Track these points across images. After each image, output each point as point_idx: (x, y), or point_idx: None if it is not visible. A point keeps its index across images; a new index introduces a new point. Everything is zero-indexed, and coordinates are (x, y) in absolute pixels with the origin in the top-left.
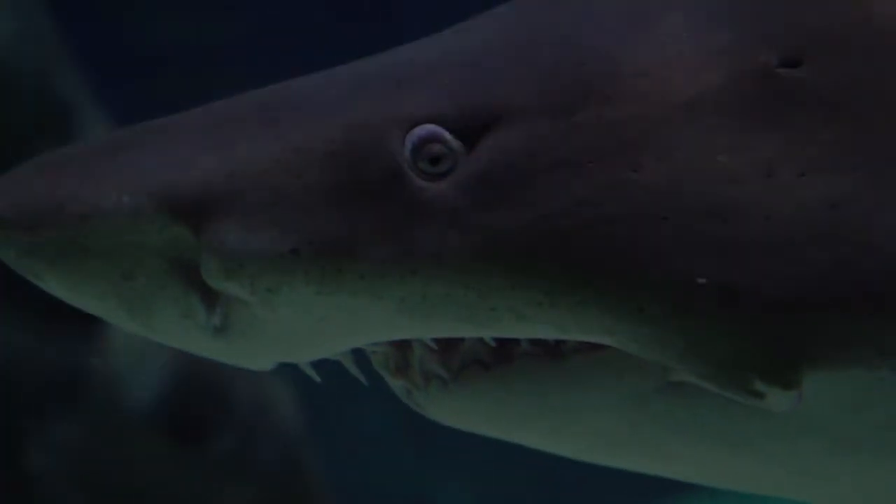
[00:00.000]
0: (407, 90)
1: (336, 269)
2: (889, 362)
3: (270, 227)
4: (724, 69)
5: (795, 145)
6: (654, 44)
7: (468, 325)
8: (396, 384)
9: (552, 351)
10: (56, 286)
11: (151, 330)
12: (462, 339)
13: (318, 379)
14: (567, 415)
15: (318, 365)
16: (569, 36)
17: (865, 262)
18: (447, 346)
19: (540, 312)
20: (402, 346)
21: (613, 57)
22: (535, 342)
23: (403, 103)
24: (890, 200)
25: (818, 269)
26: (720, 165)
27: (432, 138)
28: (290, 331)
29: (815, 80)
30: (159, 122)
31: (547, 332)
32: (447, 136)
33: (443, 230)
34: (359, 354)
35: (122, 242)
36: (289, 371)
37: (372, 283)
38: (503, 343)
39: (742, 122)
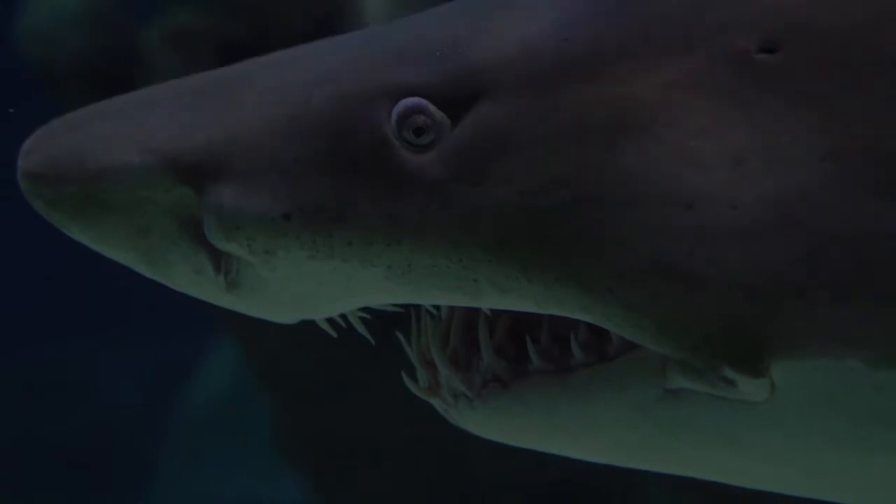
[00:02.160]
0: (396, 62)
1: (326, 234)
2: (855, 352)
3: (265, 191)
4: (704, 53)
5: (765, 133)
6: (638, 25)
7: (454, 294)
8: (434, 401)
9: (561, 365)
10: (81, 237)
11: (172, 282)
12: (480, 357)
13: (334, 335)
14: (578, 428)
15: None
16: (555, 14)
17: (828, 252)
18: (467, 365)
19: (518, 287)
20: (431, 366)
21: (597, 36)
22: (545, 358)
23: (392, 74)
24: (856, 191)
25: (781, 258)
26: (690, 151)
27: (417, 110)
28: (293, 290)
29: (789, 68)
30: (177, 82)
31: (528, 307)
32: (431, 108)
33: (425, 202)
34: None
35: (136, 199)
36: None
37: (360, 251)
38: (517, 359)
39: (716, 107)
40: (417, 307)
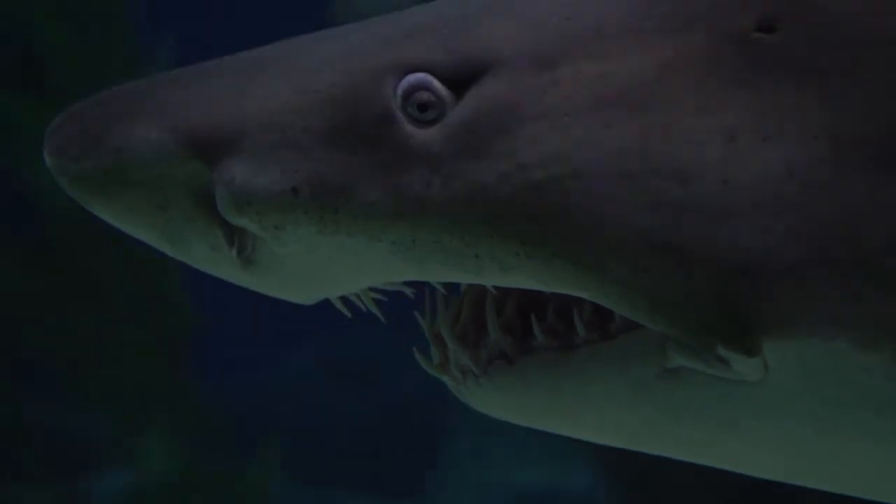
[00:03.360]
0: (404, 40)
1: (333, 209)
2: (844, 334)
3: (274, 166)
4: (703, 32)
5: (761, 111)
6: (639, 3)
7: (458, 271)
8: (444, 378)
9: (564, 343)
10: (103, 214)
11: (192, 260)
12: (487, 334)
13: (348, 315)
14: (580, 407)
15: None
16: None
17: (820, 231)
18: (476, 342)
19: (518, 263)
20: (443, 343)
21: (599, 14)
22: (549, 334)
23: (399, 51)
24: (849, 171)
25: (772, 236)
26: (685, 127)
27: (421, 86)
28: (305, 267)
29: (787, 47)
30: (194, 67)
31: (529, 284)
32: (436, 83)
33: (427, 177)
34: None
35: (154, 175)
36: None
37: (365, 225)
38: (523, 335)
39: (714, 85)
40: (433, 287)
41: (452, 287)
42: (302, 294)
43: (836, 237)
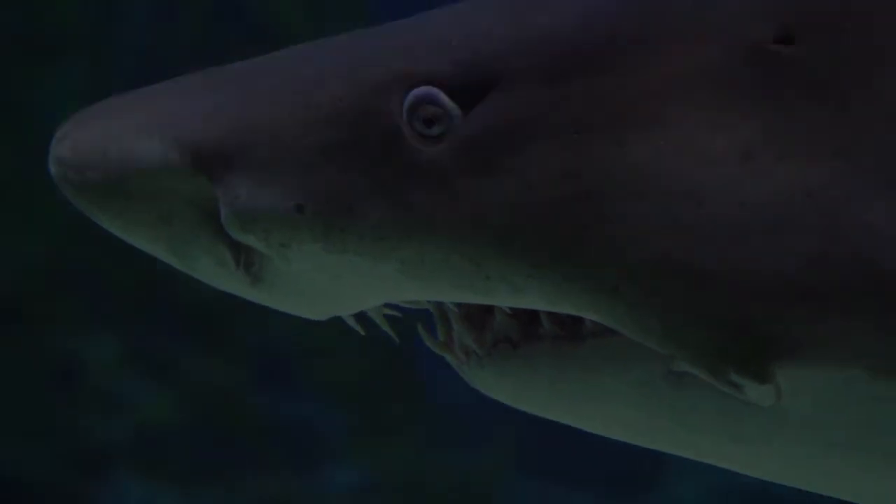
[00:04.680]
0: (410, 52)
1: (339, 228)
2: (861, 363)
3: (279, 183)
4: (719, 44)
5: (777, 128)
6: (653, 16)
7: (468, 291)
8: (447, 357)
9: (572, 333)
10: (109, 225)
11: (199, 275)
12: (493, 316)
13: (362, 332)
14: (584, 400)
15: None
16: (569, 6)
17: (835, 256)
18: (481, 324)
19: (529, 285)
20: (446, 321)
21: (611, 28)
22: (556, 322)
23: (405, 64)
24: (865, 191)
25: (787, 260)
26: (700, 145)
27: (428, 99)
28: (313, 284)
29: (804, 60)
30: (205, 72)
31: (541, 305)
32: (443, 97)
33: (435, 194)
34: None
35: (157, 188)
36: None
37: (372, 244)
38: (529, 321)
39: (729, 100)
40: None
41: None
42: (312, 311)
43: (855, 262)
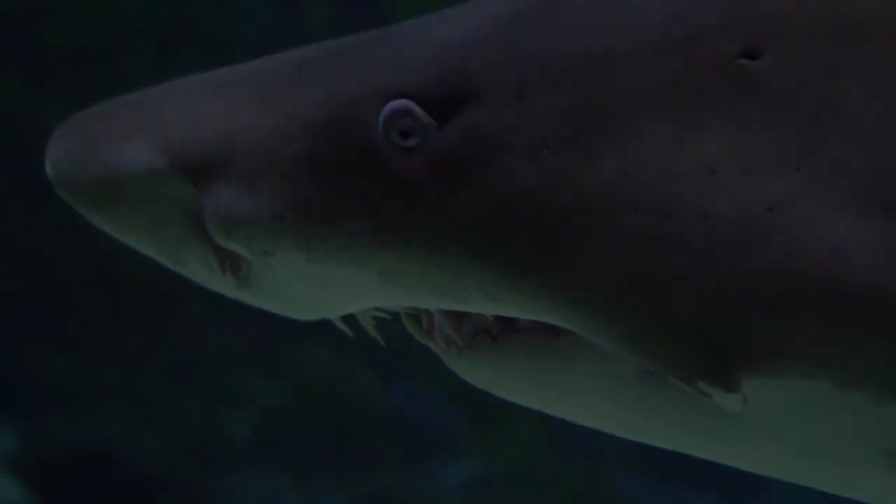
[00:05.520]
0: (388, 64)
1: (319, 238)
2: (825, 375)
3: (261, 192)
4: (687, 58)
5: (742, 142)
6: (623, 31)
7: (448, 300)
8: (430, 345)
9: (548, 326)
10: (104, 227)
11: (192, 276)
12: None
13: (350, 334)
14: (560, 391)
15: None
16: (542, 21)
17: (797, 269)
18: (461, 315)
19: (504, 294)
20: (428, 310)
21: (581, 41)
22: None
23: (383, 76)
24: (827, 205)
25: (751, 272)
26: (667, 159)
27: (403, 112)
28: (299, 290)
29: (771, 74)
30: (194, 78)
31: (517, 313)
32: (418, 111)
33: (411, 207)
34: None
35: (148, 194)
36: None
37: (352, 254)
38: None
39: (695, 114)
40: None
41: None
42: (300, 313)
43: (816, 276)
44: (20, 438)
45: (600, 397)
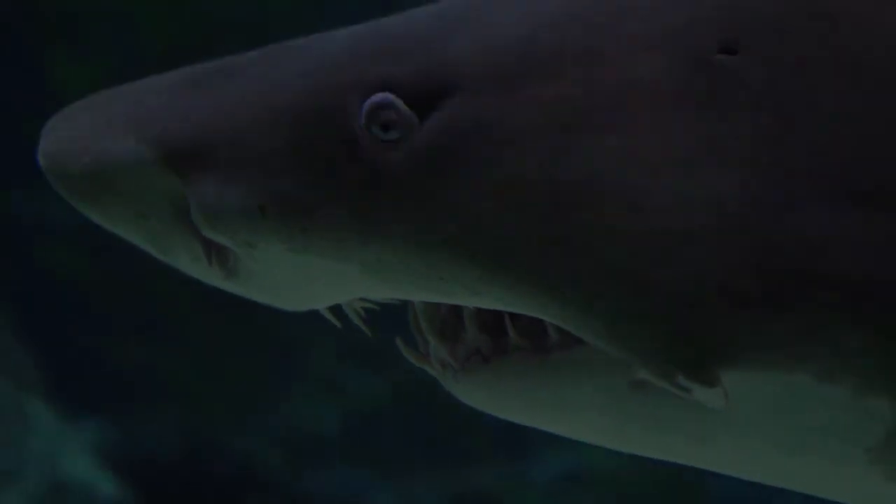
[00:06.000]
0: (370, 57)
1: (300, 230)
2: (803, 368)
3: (242, 183)
4: (664, 54)
5: (718, 137)
6: (602, 26)
7: (430, 292)
8: (426, 369)
9: (539, 345)
10: (93, 217)
11: (180, 266)
12: (465, 331)
13: (338, 324)
14: (553, 408)
15: None
16: (523, 15)
17: (773, 263)
18: (455, 337)
19: (484, 287)
20: (421, 334)
21: (561, 37)
22: (524, 335)
23: (365, 69)
24: (803, 200)
25: (725, 266)
26: (643, 153)
27: (385, 105)
28: (284, 280)
29: (747, 70)
30: (183, 71)
31: (497, 306)
32: (399, 104)
33: (391, 199)
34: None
35: (135, 186)
36: None
37: (333, 246)
38: (499, 335)
39: (673, 109)
40: None
41: None
42: (287, 304)
43: (792, 269)
44: (115, 434)
45: (595, 412)
